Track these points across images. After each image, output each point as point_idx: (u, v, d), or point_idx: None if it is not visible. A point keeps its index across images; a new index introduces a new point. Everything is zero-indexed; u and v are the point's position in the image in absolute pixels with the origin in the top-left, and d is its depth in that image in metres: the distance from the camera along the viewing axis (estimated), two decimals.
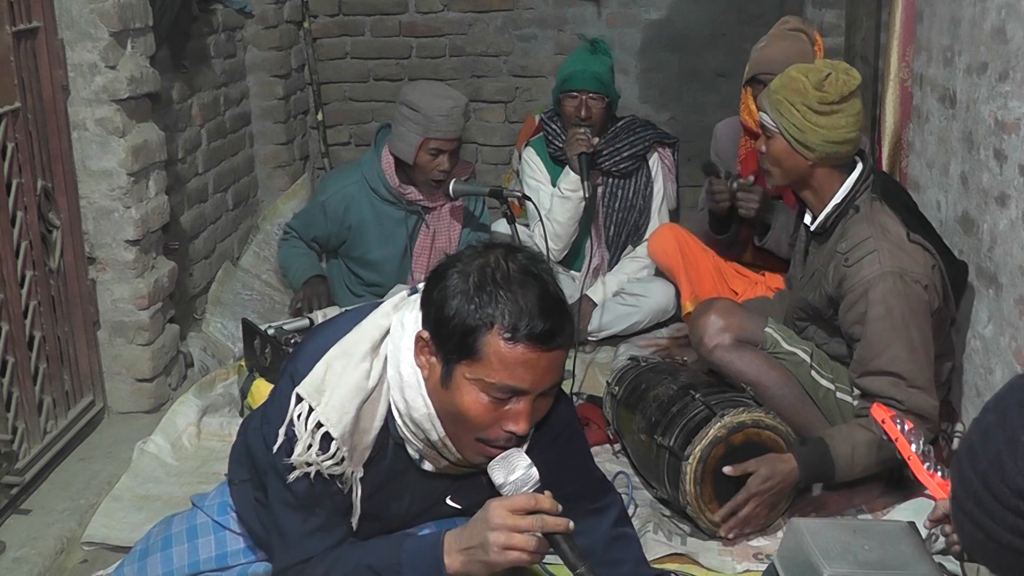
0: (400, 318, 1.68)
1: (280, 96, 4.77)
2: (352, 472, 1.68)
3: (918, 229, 2.55)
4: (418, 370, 1.63)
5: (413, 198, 3.56)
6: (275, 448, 1.68)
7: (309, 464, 1.64)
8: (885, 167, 3.42)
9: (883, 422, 1.85)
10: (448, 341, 1.56)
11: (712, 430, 2.44)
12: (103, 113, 2.95)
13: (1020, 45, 2.38)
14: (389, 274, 3.63)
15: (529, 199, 3.59)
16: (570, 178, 3.67)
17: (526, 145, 3.99)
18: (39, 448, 2.70)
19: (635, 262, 3.84)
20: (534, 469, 1.61)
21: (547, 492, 1.60)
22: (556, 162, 3.78)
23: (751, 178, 3.21)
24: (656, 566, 2.38)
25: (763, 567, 2.29)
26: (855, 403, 2.58)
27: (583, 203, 3.65)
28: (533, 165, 3.87)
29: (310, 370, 1.66)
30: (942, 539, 2.21)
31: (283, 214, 4.55)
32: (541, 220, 3.51)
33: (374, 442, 1.69)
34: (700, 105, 4.96)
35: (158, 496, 2.71)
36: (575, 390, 3.26)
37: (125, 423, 3.11)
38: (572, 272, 3.91)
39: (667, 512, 2.63)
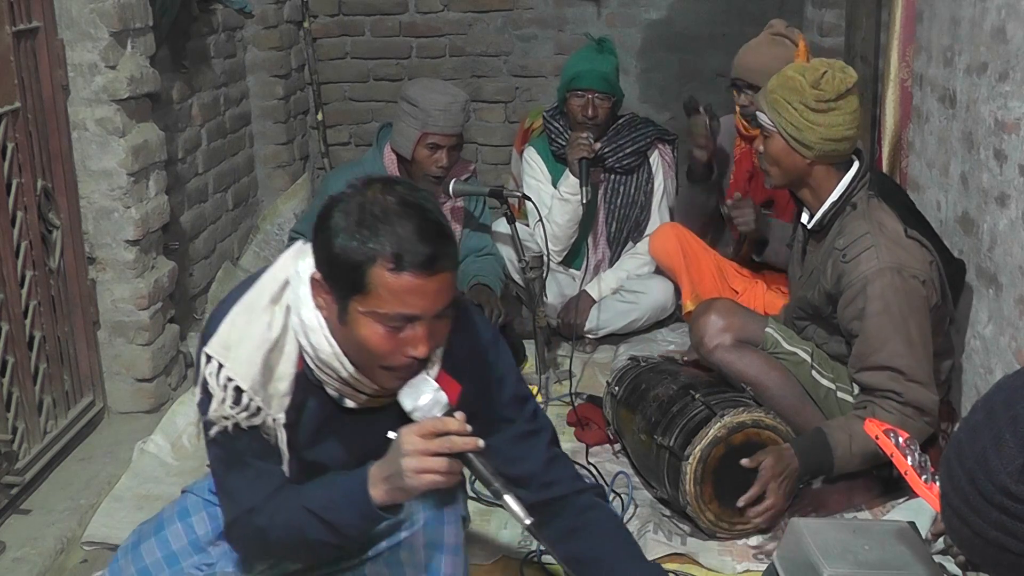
0: (296, 267, 1.72)
1: (280, 96, 4.77)
2: (273, 420, 1.72)
3: (915, 226, 2.57)
4: (318, 312, 1.68)
5: None
6: (200, 404, 1.74)
7: (226, 418, 1.69)
8: (885, 167, 3.42)
9: (876, 438, 1.85)
10: (338, 279, 1.61)
11: (712, 430, 2.44)
12: (103, 113, 2.96)
13: (1020, 45, 2.38)
14: None
15: (529, 199, 3.59)
16: (570, 181, 3.67)
17: (527, 145, 3.99)
18: (39, 448, 2.70)
19: (635, 259, 3.84)
20: (441, 393, 1.65)
21: (459, 414, 1.64)
22: (558, 160, 3.78)
23: (738, 195, 3.24)
24: None
25: (763, 567, 2.30)
26: (855, 402, 2.58)
27: (582, 206, 3.65)
28: (534, 165, 3.86)
29: (217, 330, 1.73)
30: (941, 539, 2.22)
31: (283, 214, 4.55)
32: (541, 221, 3.51)
33: (292, 388, 1.73)
34: None
35: (158, 496, 2.71)
36: (575, 390, 3.26)
37: (125, 423, 3.11)
38: (572, 271, 3.92)
39: (667, 512, 2.63)
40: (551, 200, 3.75)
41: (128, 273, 3.08)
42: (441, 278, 1.59)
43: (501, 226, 3.61)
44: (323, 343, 1.68)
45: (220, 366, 1.70)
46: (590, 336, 3.75)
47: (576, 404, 3.18)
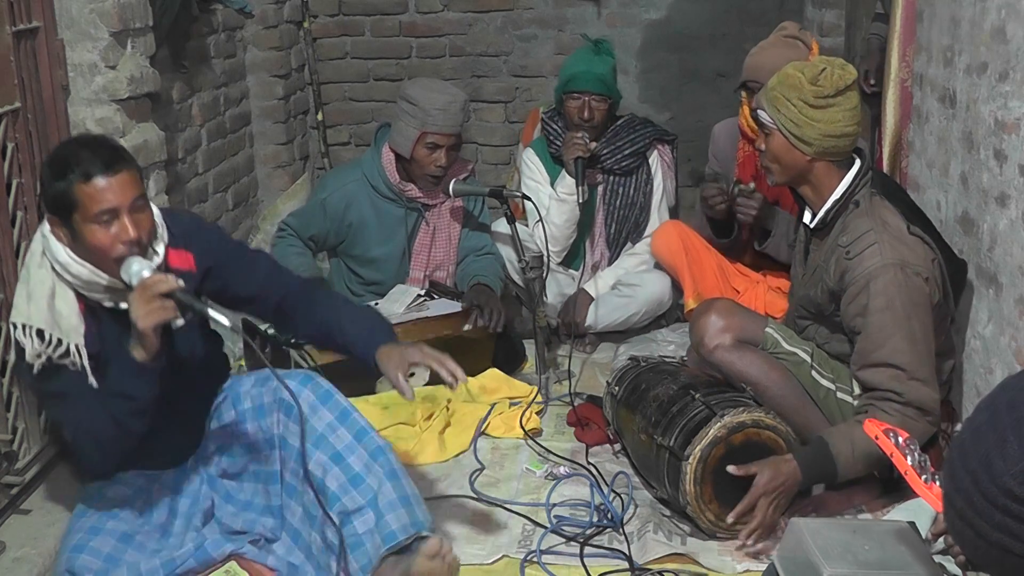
0: (42, 230, 2.20)
1: (280, 96, 4.77)
2: (75, 347, 2.15)
3: (918, 224, 2.58)
4: (63, 246, 2.15)
5: (413, 195, 3.56)
6: (17, 366, 2.23)
7: (39, 356, 2.13)
8: (885, 167, 3.42)
9: (876, 438, 1.85)
10: (59, 209, 2.11)
11: (712, 430, 2.44)
12: (103, 113, 2.95)
13: (1020, 45, 2.39)
14: (389, 272, 3.63)
15: (529, 199, 3.59)
16: (566, 182, 3.67)
17: (526, 147, 3.99)
18: (39, 448, 2.70)
19: (634, 257, 3.84)
20: (145, 261, 2.12)
21: (170, 276, 2.11)
22: (557, 162, 3.78)
23: (751, 184, 3.23)
24: (656, 566, 2.39)
25: (763, 567, 2.30)
26: (855, 402, 2.59)
27: (579, 207, 3.65)
28: (533, 166, 3.86)
29: (14, 303, 2.21)
30: (941, 539, 2.21)
31: (283, 214, 4.54)
32: (541, 221, 3.51)
33: (83, 321, 2.17)
34: (700, 105, 4.96)
35: None
36: (575, 390, 3.26)
37: None
38: (571, 271, 3.92)
39: (667, 512, 2.63)
40: (549, 201, 3.75)
41: None
42: (123, 176, 2.10)
43: (501, 226, 3.61)
44: (77, 267, 2.14)
45: (24, 325, 2.14)
46: (589, 332, 3.75)
47: (576, 404, 3.18)
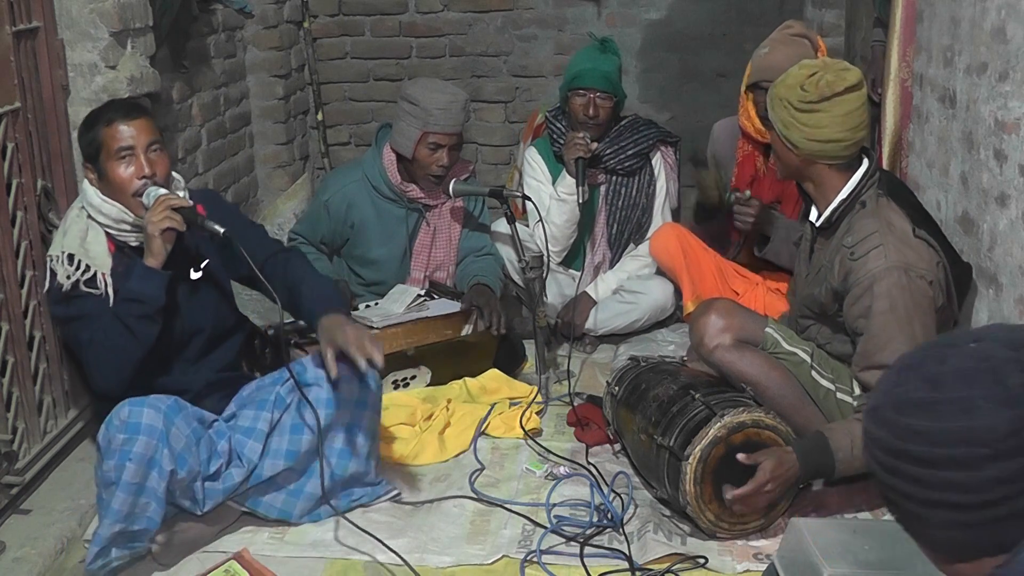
0: (82, 186, 2.63)
1: (280, 96, 4.77)
2: (101, 274, 2.52)
3: (923, 226, 2.57)
4: (95, 189, 2.57)
5: (414, 196, 3.55)
6: (49, 292, 2.57)
7: (68, 277, 2.50)
8: (885, 167, 3.42)
9: None
10: (90, 153, 2.57)
11: (712, 430, 2.44)
12: None
13: (1020, 45, 2.39)
14: (389, 272, 3.63)
15: (529, 199, 3.59)
16: (567, 182, 3.67)
17: (529, 145, 3.99)
18: (39, 448, 2.70)
19: (636, 260, 3.84)
20: (161, 189, 2.52)
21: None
22: (559, 161, 3.78)
23: (747, 192, 3.22)
24: (655, 566, 2.39)
25: (763, 567, 2.30)
26: (855, 402, 2.59)
27: (579, 207, 3.65)
28: (535, 165, 3.86)
29: (52, 242, 2.62)
30: None
31: (283, 214, 4.56)
32: (541, 221, 3.51)
33: (112, 258, 2.56)
34: (700, 105, 4.96)
35: None
36: (575, 390, 3.26)
37: None
38: (571, 271, 3.91)
39: (667, 512, 2.63)
40: (549, 200, 3.74)
41: None
42: (139, 122, 2.55)
43: (501, 226, 3.61)
44: (107, 207, 2.55)
45: (57, 255, 2.52)
46: (590, 334, 3.75)
47: (576, 404, 3.18)
